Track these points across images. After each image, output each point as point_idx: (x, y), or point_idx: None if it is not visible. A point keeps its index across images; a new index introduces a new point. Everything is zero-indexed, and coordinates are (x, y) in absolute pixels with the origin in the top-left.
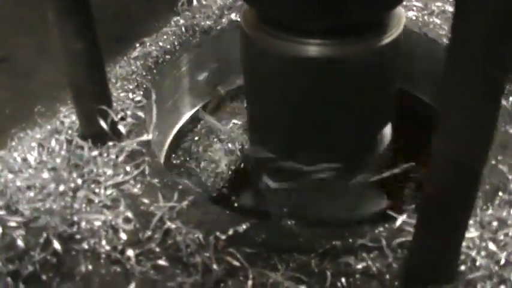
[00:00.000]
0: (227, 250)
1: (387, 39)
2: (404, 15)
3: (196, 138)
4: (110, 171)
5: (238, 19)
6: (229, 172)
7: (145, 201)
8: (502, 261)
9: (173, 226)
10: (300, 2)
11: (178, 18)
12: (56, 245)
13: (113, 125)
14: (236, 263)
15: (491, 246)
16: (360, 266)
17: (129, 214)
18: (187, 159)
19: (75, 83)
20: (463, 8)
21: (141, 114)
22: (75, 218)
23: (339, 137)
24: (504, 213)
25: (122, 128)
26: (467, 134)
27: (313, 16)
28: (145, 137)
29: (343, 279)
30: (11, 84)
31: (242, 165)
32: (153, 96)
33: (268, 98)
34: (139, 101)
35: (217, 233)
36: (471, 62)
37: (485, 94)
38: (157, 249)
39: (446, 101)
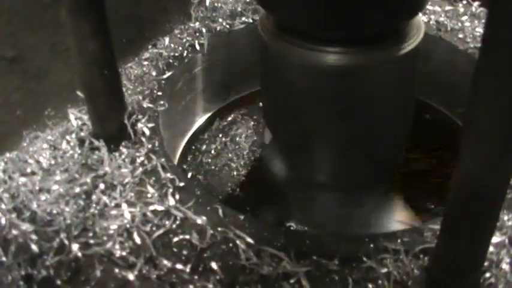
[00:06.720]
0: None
1: (407, 48)
2: (424, 24)
3: (210, 140)
4: (123, 173)
5: (251, 21)
6: (244, 175)
7: (160, 204)
8: None
9: (189, 228)
10: (320, 11)
11: (190, 20)
12: (70, 249)
13: (126, 126)
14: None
15: None
16: (382, 272)
17: (144, 217)
18: (202, 161)
19: (89, 84)
20: (498, 7)
21: (153, 116)
22: (90, 222)
23: (358, 146)
24: None
25: (136, 130)
26: (498, 135)
27: (333, 25)
28: (159, 139)
29: (370, 286)
30: (22, 85)
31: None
32: (165, 98)
33: (285, 104)
34: (151, 102)
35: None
36: (505, 64)
37: None
38: (175, 253)
39: (477, 102)
